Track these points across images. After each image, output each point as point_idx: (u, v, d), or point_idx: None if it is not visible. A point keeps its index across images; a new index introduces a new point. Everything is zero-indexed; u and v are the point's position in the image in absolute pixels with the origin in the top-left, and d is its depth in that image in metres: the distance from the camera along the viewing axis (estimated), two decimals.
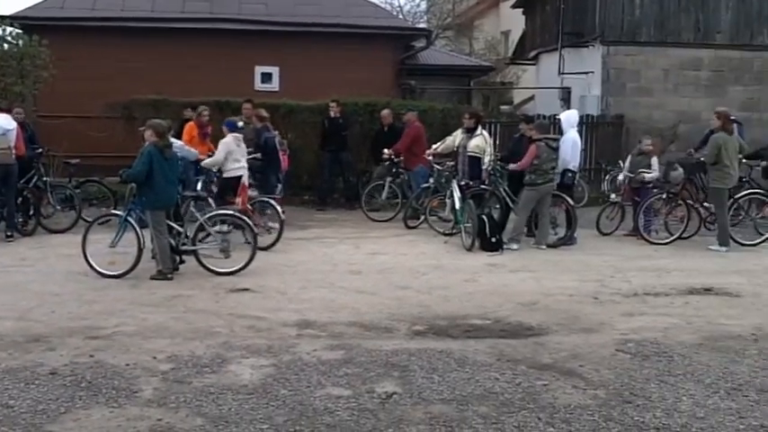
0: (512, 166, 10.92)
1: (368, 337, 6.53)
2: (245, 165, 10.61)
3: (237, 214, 9.28)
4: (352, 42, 17.27)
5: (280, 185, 11.78)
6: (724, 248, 10.92)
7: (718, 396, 5.27)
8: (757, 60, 17.90)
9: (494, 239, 10.51)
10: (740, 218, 12.12)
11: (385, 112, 14.03)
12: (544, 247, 10.83)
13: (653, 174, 11.78)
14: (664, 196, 11.62)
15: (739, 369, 5.83)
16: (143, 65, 16.17)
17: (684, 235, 11.50)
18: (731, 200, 11.35)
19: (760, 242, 11.39)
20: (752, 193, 12.00)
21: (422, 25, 28.93)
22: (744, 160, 12.39)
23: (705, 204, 11.62)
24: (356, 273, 9.05)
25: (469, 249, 10.47)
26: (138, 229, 8.50)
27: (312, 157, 14.44)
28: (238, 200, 10.00)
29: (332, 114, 14.06)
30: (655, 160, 11.82)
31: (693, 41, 17.67)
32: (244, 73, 16.84)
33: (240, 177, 10.35)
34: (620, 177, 12.68)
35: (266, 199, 10.66)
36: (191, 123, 12.06)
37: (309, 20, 17.46)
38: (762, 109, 17.69)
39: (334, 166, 14.14)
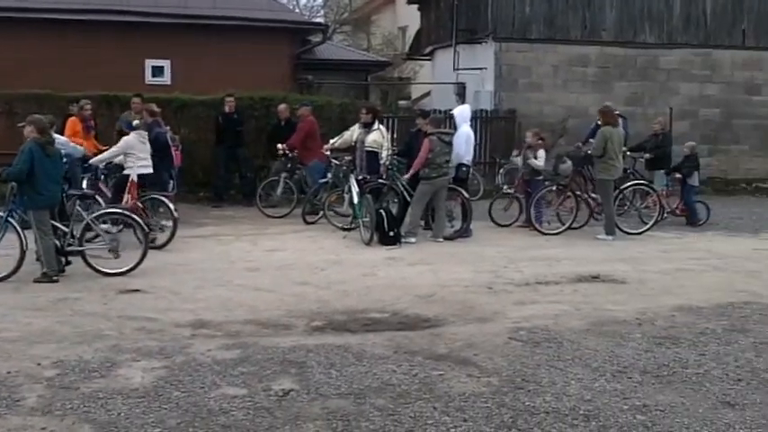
0: (409, 174, 10.95)
1: (265, 334, 6.46)
2: (150, 163, 10.31)
3: (126, 212, 9.01)
4: (247, 36, 17.02)
5: (172, 182, 11.51)
6: (611, 237, 11.34)
7: (605, 379, 5.46)
8: (640, 57, 18.65)
9: (392, 233, 10.59)
10: (625, 208, 12.66)
11: (282, 106, 13.89)
12: (441, 239, 10.98)
13: (539, 162, 12.10)
14: (554, 188, 11.98)
15: (624, 352, 6.06)
16: (28, 57, 15.45)
17: (574, 225, 11.88)
18: (617, 191, 11.81)
19: (644, 231, 11.89)
20: (636, 184, 12.53)
21: (319, 20, 28.79)
22: (628, 153, 12.93)
23: (593, 195, 12.03)
24: (253, 270, 8.94)
25: (368, 244, 10.51)
26: (19, 230, 8.12)
27: (207, 153, 14.17)
28: (127, 197, 9.71)
29: (227, 109, 13.84)
30: (541, 153, 12.15)
31: (581, 38, 18.26)
32: (134, 66, 16.34)
33: (147, 176, 10.10)
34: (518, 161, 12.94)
35: (158, 196, 10.38)
36: (73, 118, 11.67)
37: (202, 12, 17.08)
38: (645, 103, 18.44)
39: (230, 162, 13.92)
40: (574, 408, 4.92)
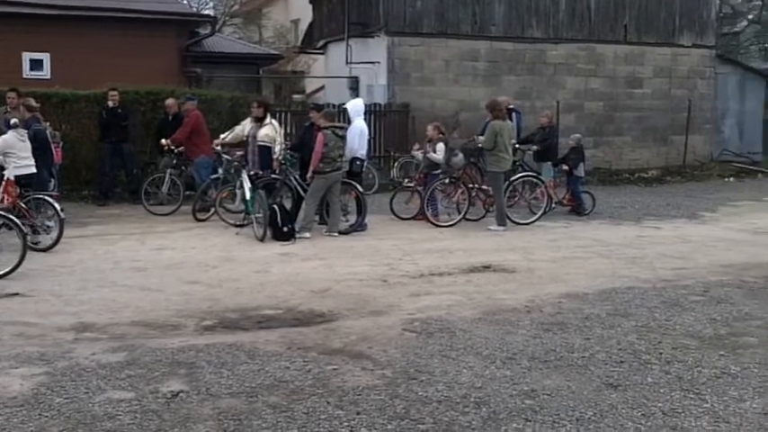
0: (310, 172, 10.86)
1: (152, 336, 6.26)
2: (32, 162, 9.80)
3: (2, 213, 8.55)
4: (132, 28, 16.49)
5: (53, 181, 11.02)
6: (502, 228, 11.59)
7: (495, 366, 5.56)
8: (528, 52, 19.14)
9: (286, 229, 10.48)
10: (516, 199, 12.95)
11: (170, 101, 13.50)
12: (336, 234, 10.95)
13: (437, 155, 12.23)
14: (447, 181, 12.13)
15: (514, 339, 6.19)
16: None
17: (470, 217, 12.07)
18: (507, 183, 12.07)
19: (533, 221, 12.21)
20: (525, 175, 12.84)
21: (208, 12, 28.26)
22: (517, 145, 13.24)
23: (484, 187, 12.25)
24: (141, 270, 8.65)
25: (261, 240, 10.36)
26: None
27: (91, 150, 13.65)
28: (2, 196, 9.23)
29: (110, 104, 13.34)
30: (440, 146, 12.28)
31: (471, 33, 18.55)
32: (11, 59, 15.57)
33: (31, 176, 9.62)
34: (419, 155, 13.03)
35: (43, 196, 9.90)
36: None
37: (83, 3, 16.45)
38: (533, 97, 18.94)
39: (115, 159, 13.43)
40: (465, 395, 4.99)
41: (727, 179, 20.13)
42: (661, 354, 5.86)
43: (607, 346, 6.02)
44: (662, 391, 5.10)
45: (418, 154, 12.93)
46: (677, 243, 10.83)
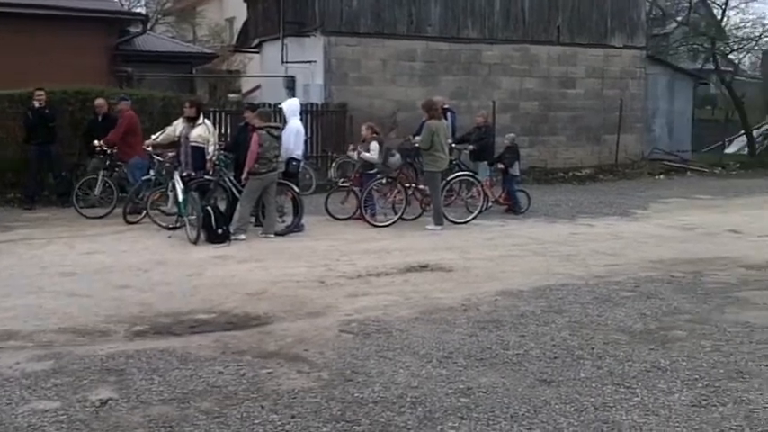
0: (244, 173, 10.73)
1: (81, 342, 6.07)
2: None
3: None
4: (59, 26, 16.05)
5: None
6: (439, 227, 11.63)
7: (431, 365, 5.56)
8: (464, 52, 19.29)
9: (220, 231, 10.32)
10: (453, 198, 13.02)
11: (99, 101, 13.17)
12: (272, 235, 10.84)
13: (370, 155, 12.21)
14: (384, 181, 12.13)
15: (450, 338, 6.20)
16: None
17: (406, 216, 12.09)
18: (444, 182, 12.13)
19: (470, 220, 12.29)
20: (462, 175, 12.92)
21: (139, 10, 27.67)
22: (453, 145, 13.32)
23: (421, 187, 12.29)
24: (68, 275, 8.40)
25: (195, 242, 10.18)
26: None
27: (16, 152, 13.20)
28: None
29: (36, 104, 12.93)
30: (374, 145, 12.27)
31: (407, 33, 18.60)
32: None
33: None
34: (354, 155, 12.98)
35: None
36: None
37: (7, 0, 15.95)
38: (469, 97, 19.10)
39: (42, 161, 13.01)
40: (401, 395, 4.97)
41: (657, 177, 20.63)
42: (593, 349, 5.94)
43: (541, 343, 6.08)
44: (594, 385, 5.17)
45: (354, 154, 12.90)
46: (609, 240, 11.02)
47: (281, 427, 4.51)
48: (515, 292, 7.77)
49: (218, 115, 15.84)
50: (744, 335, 6.32)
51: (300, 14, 18.81)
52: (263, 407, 4.80)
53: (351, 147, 13.49)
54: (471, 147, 13.74)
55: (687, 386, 5.18)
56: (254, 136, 10.65)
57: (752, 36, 28.43)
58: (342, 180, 13.69)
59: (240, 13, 25.18)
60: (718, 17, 28.41)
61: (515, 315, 6.89)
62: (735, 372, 5.46)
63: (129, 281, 8.17)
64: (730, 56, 29.83)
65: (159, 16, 28.92)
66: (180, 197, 10.69)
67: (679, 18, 29.71)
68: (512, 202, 13.59)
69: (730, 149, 26.80)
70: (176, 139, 11.52)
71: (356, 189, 12.47)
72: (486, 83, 19.56)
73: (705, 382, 5.24)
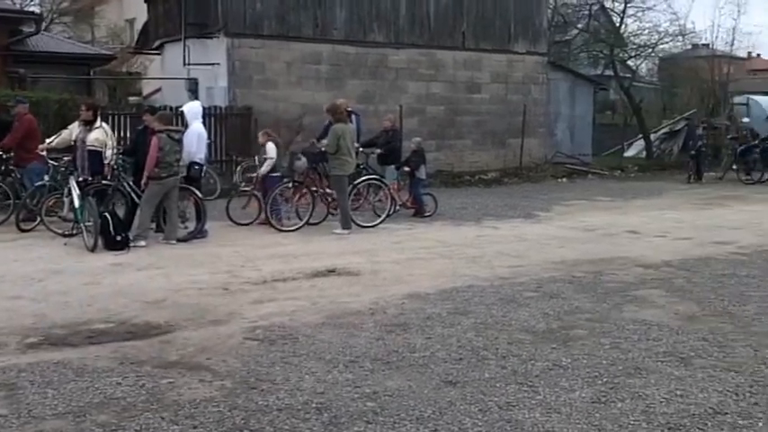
0: (145, 178, 10.42)
1: None
2: None
3: None
4: None
5: None
6: (346, 231, 11.59)
7: (338, 370, 5.50)
8: (370, 56, 19.34)
9: (119, 238, 10.00)
10: (360, 202, 13.01)
11: None
12: (174, 241, 10.57)
13: (267, 164, 12.12)
14: (290, 185, 12.02)
15: (357, 342, 6.15)
16: None
17: (312, 221, 12.00)
18: (351, 186, 12.09)
19: (377, 223, 12.30)
20: (369, 178, 12.91)
21: (33, 9, 26.63)
22: (360, 149, 13.31)
23: (328, 191, 12.22)
24: None
25: (92, 250, 9.82)
26: None
27: None
28: None
29: None
30: (270, 147, 12.15)
31: (313, 36, 18.51)
32: None
33: None
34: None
35: None
36: None
37: None
38: (376, 101, 19.16)
39: None
40: (307, 402, 4.89)
41: (560, 180, 21.17)
42: (498, 349, 6.00)
43: (447, 345, 6.10)
44: (498, 385, 5.21)
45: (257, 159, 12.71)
46: (514, 242, 11.21)
47: None
48: (422, 294, 7.79)
49: (117, 118, 15.41)
50: (641, 332, 6.50)
51: (203, 15, 18.43)
52: (163, 418, 4.64)
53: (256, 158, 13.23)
54: (378, 150, 13.76)
55: (587, 383, 5.28)
56: (154, 139, 10.37)
57: (649, 43, 29.56)
58: (244, 184, 13.47)
59: (141, 14, 24.54)
60: (617, 25, 29.43)
61: (422, 318, 6.90)
62: (633, 368, 5.59)
63: (22, 291, 7.81)
64: (628, 62, 30.96)
65: (55, 16, 27.90)
66: (76, 203, 10.29)
67: (580, 25, 30.67)
68: (418, 206, 13.67)
69: (629, 153, 27.78)
70: (72, 142, 11.12)
71: (258, 194, 12.31)
72: (393, 87, 19.66)
73: (605, 379, 5.35)
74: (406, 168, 13.75)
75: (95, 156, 10.74)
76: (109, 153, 10.80)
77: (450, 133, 20.86)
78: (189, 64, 18.62)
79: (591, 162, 24.13)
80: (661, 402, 4.95)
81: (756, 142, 21.08)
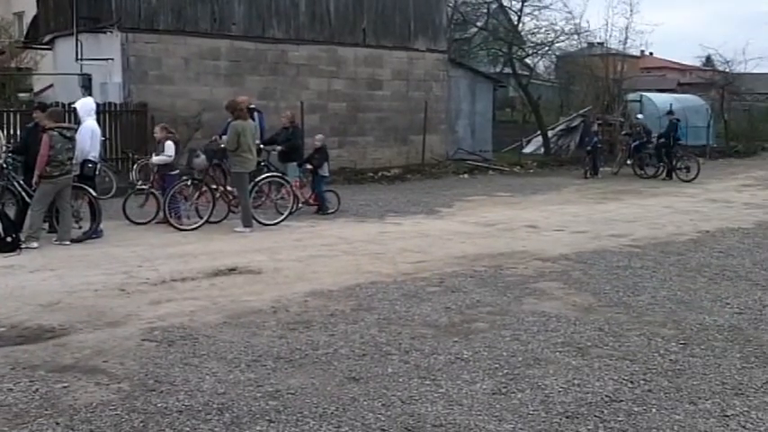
0: (35, 177, 10.01)
1: None
2: None
3: None
4: None
5: None
6: (248, 229, 11.46)
7: (239, 370, 5.44)
8: (270, 52, 19.14)
9: (9, 239, 9.62)
10: (262, 200, 12.89)
11: None
12: (68, 242, 10.23)
13: (161, 157, 11.89)
14: (189, 182, 11.79)
15: (259, 341, 6.10)
16: None
17: (212, 219, 11.81)
18: (252, 183, 11.96)
19: (279, 221, 12.21)
20: (271, 176, 12.80)
21: None
22: (262, 146, 13.17)
23: (228, 188, 12.05)
24: None
25: None
26: None
27: None
28: None
29: None
30: (168, 145, 11.91)
31: (211, 31, 18.16)
32: None
33: None
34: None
35: None
36: None
37: None
38: (277, 97, 18.98)
39: None
40: (207, 403, 4.82)
41: (461, 176, 21.49)
42: (401, 344, 6.05)
43: (350, 341, 6.12)
44: (401, 380, 5.27)
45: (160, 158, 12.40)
46: (417, 238, 11.32)
47: None
48: (325, 292, 7.78)
49: (6, 115, 14.80)
50: (540, 324, 6.68)
51: (96, 9, 17.79)
52: (57, 423, 4.51)
53: (154, 155, 12.93)
54: (280, 148, 13.65)
55: (488, 375, 5.39)
56: (45, 137, 10.00)
57: (546, 41, 30.32)
58: (140, 182, 13.13)
59: (30, 7, 23.55)
60: (515, 23, 30.09)
61: (325, 315, 6.89)
62: (532, 359, 5.75)
63: None
64: (526, 60, 31.67)
65: None
66: None
67: (479, 23, 31.17)
68: (321, 203, 13.63)
69: (528, 149, 28.40)
70: None
71: (156, 192, 12.03)
72: (293, 83, 19.53)
73: (505, 371, 5.48)
74: (309, 166, 13.69)
75: None
76: None
77: (353, 130, 20.90)
78: (82, 59, 17.96)
79: (491, 158, 24.58)
80: (559, 392, 5.10)
81: (650, 138, 21.93)
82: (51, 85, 21.76)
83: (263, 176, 12.55)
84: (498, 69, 30.94)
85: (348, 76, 20.67)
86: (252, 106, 13.40)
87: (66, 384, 5.13)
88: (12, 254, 9.45)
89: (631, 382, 5.31)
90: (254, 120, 12.71)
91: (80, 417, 4.60)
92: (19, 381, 5.18)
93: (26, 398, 4.89)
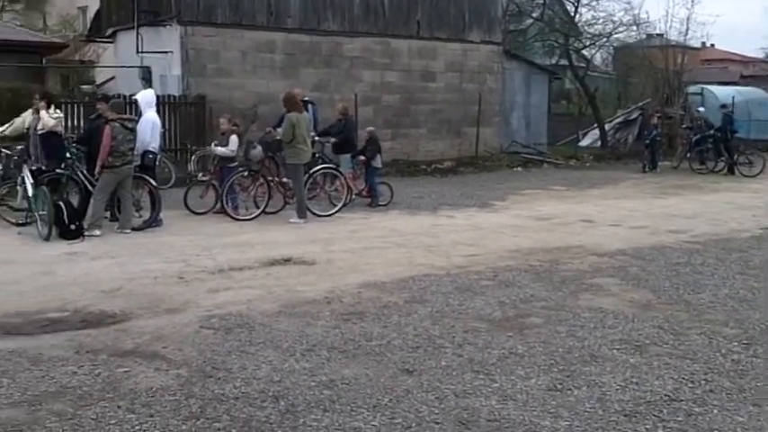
0: (98, 168, 10.28)
1: None
2: None
3: None
4: None
5: None
6: (302, 220, 11.59)
7: (294, 359, 5.52)
8: (325, 45, 19.24)
9: (73, 227, 9.90)
10: (316, 191, 12.99)
11: None
12: (129, 231, 10.47)
13: (224, 150, 12.06)
14: (246, 174, 11.96)
15: (314, 331, 6.18)
16: None
17: (268, 210, 11.96)
18: (307, 175, 12.08)
19: (333, 212, 12.31)
20: (325, 167, 12.90)
21: None
22: (316, 138, 13.29)
23: (284, 180, 12.19)
24: None
25: (47, 239, 9.72)
26: None
27: None
28: None
29: None
30: (233, 139, 12.08)
31: (267, 25, 18.35)
32: None
33: None
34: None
35: None
36: None
37: None
38: (331, 89, 19.07)
39: None
40: (263, 390, 4.91)
41: (515, 169, 21.34)
42: (454, 337, 6.06)
43: (404, 333, 6.15)
44: (454, 373, 5.27)
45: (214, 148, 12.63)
46: (470, 231, 11.29)
47: (138, 427, 4.37)
48: (378, 283, 7.82)
49: (70, 107, 15.16)
50: (597, 320, 6.60)
51: (156, 3, 18.15)
52: (119, 407, 4.64)
53: (214, 142, 13.18)
54: (333, 139, 13.74)
55: (543, 371, 5.35)
56: (107, 128, 10.26)
57: (603, 33, 29.82)
58: (201, 174, 13.38)
59: (93, 2, 24.17)
60: (571, 14, 29.67)
61: (378, 306, 6.94)
62: (589, 356, 5.68)
63: None
64: (583, 52, 31.20)
65: (5, 3, 27.30)
66: (30, 192, 10.17)
67: (534, 15, 30.81)
68: (373, 195, 13.69)
69: (584, 142, 28.04)
70: (25, 131, 10.97)
71: (216, 183, 12.23)
72: (347, 76, 19.61)
73: (561, 367, 5.43)
74: (362, 158, 13.76)
75: (50, 140, 10.62)
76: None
77: (406, 122, 20.90)
78: (142, 52, 18.35)
79: (546, 151, 24.35)
80: (617, 390, 5.02)
81: (710, 132, 21.44)
82: (113, 78, 22.25)
83: (318, 168, 12.66)
84: (554, 61, 30.55)
85: (401, 69, 20.66)
86: (305, 98, 13.52)
87: (127, 369, 5.28)
88: (75, 241, 9.73)
89: (692, 381, 5.20)
90: (307, 112, 12.84)
91: (140, 401, 4.73)
92: (83, 364, 5.34)
93: (89, 381, 5.04)
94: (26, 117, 11.27)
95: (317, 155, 13.03)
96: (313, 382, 5.07)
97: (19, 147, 10.96)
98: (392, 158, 18.93)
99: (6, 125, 11.34)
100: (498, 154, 22.47)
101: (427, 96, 21.20)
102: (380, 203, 13.56)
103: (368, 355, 5.63)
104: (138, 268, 8.36)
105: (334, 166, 13.06)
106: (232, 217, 11.61)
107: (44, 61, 20.46)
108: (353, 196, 13.25)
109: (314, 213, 12.00)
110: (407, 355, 5.61)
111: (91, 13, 25.23)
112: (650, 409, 4.74)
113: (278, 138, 12.01)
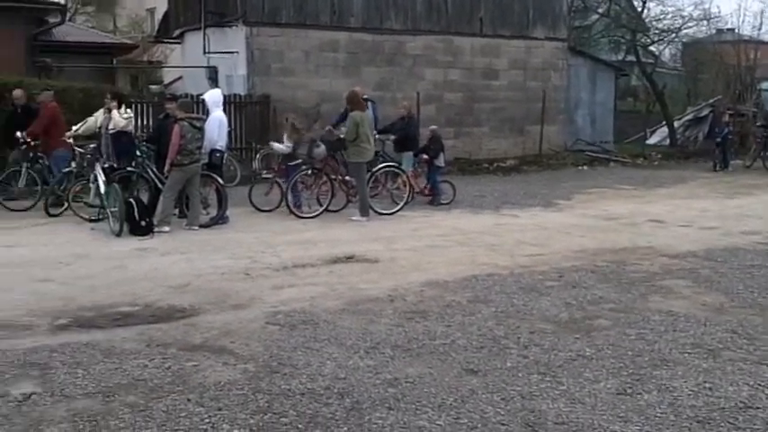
0: (167, 166, 10.51)
1: (2, 336, 5.90)
2: None
3: None
4: None
5: None
6: (365, 218, 11.64)
7: (358, 356, 5.56)
8: (387, 43, 19.28)
9: (143, 223, 10.15)
10: (378, 189, 13.05)
11: (17, 92, 12.80)
12: (196, 227, 10.68)
13: (280, 146, 12.22)
14: (309, 172, 12.08)
15: (377, 329, 6.21)
16: None
17: (331, 208, 12.06)
18: (369, 173, 12.13)
19: (396, 211, 12.33)
20: (387, 166, 12.94)
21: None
22: (378, 136, 13.33)
23: (347, 178, 12.27)
24: None
25: (118, 235, 9.97)
26: None
27: None
28: None
29: None
30: (287, 136, 12.26)
31: (330, 24, 18.48)
32: None
33: None
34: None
35: None
36: None
37: None
38: (393, 88, 19.09)
39: None
40: (328, 387, 4.96)
41: (580, 167, 21.03)
42: (519, 338, 6.01)
43: (467, 333, 6.13)
44: (520, 374, 5.23)
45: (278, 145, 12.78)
46: (534, 230, 11.18)
47: (207, 420, 4.46)
48: (441, 282, 7.81)
49: (139, 106, 15.53)
50: (667, 323, 6.45)
51: (222, 4, 18.48)
52: (188, 399, 4.73)
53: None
54: (393, 137, 13.77)
55: (612, 374, 5.25)
56: (176, 127, 10.47)
57: (672, 28, 29.16)
58: (266, 171, 13.55)
59: (161, 4, 24.68)
60: (639, 9, 29.09)
61: (441, 305, 6.93)
62: (659, 360, 5.55)
63: (51, 274, 7.95)
64: (651, 47, 30.57)
65: (78, 6, 28.12)
66: (102, 189, 10.47)
67: (600, 10, 30.30)
68: (435, 194, 13.67)
69: (652, 140, 27.48)
70: (97, 130, 11.29)
71: (280, 180, 12.38)
72: (410, 74, 19.61)
73: (630, 371, 5.32)
74: (425, 157, 13.75)
75: (121, 138, 10.91)
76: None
77: (468, 120, 20.80)
78: (209, 52, 18.70)
79: (612, 150, 23.93)
80: (689, 395, 4.90)
81: None
82: (180, 78, 22.71)
83: (380, 166, 12.70)
84: (620, 57, 30.00)
85: (464, 66, 20.56)
86: (365, 97, 13.57)
87: (196, 363, 5.39)
88: (145, 237, 9.97)
89: None
90: (368, 110, 12.88)
91: (209, 394, 4.82)
92: (153, 357, 5.48)
93: (160, 374, 5.17)
94: (98, 116, 11.61)
95: (378, 153, 13.08)
96: (377, 379, 5.09)
97: (91, 145, 11.27)
98: (454, 157, 18.87)
99: (79, 124, 11.69)
100: (563, 152, 22.18)
101: (490, 94, 21.06)
102: (443, 202, 13.53)
103: (432, 354, 5.63)
104: (206, 264, 8.53)
105: (396, 165, 13.09)
106: (295, 215, 11.74)
107: (114, 62, 21.02)
108: (415, 195, 13.24)
109: (376, 212, 12.05)
110: (472, 355, 5.60)
111: (159, 15, 25.79)
112: (725, 416, 4.61)
113: (340, 136, 12.09)
